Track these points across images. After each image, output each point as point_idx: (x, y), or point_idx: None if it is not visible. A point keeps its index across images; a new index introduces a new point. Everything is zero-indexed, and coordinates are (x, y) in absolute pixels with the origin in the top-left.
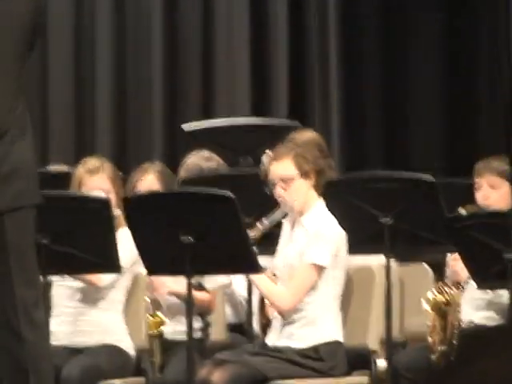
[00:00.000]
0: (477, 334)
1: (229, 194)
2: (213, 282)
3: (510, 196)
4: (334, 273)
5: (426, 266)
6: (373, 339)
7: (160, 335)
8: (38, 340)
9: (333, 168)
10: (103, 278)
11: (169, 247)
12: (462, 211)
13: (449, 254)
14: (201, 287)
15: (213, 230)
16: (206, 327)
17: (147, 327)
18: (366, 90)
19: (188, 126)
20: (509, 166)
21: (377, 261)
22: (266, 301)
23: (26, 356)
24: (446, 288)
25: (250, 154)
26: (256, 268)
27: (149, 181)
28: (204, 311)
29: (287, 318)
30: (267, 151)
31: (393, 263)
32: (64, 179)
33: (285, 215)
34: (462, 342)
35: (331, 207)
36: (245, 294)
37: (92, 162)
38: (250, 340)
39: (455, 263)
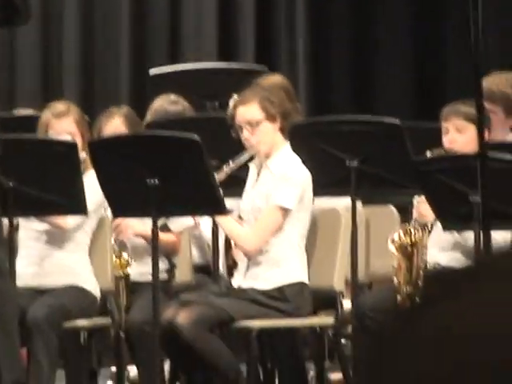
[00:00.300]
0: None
1: (195, 136)
2: (178, 223)
3: (476, 140)
4: (299, 215)
5: (392, 207)
6: (338, 280)
7: (125, 276)
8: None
9: (299, 112)
10: (69, 221)
11: (135, 190)
12: (429, 155)
13: (415, 197)
14: (166, 229)
15: (179, 172)
16: (171, 268)
17: (113, 269)
18: (334, 33)
19: (155, 71)
20: (476, 110)
21: (343, 203)
22: (232, 242)
23: None
24: (411, 230)
25: (217, 98)
26: (222, 210)
27: (115, 125)
28: (169, 252)
29: (253, 259)
30: (234, 95)
31: (359, 205)
32: (31, 123)
33: (251, 158)
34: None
35: (297, 150)
36: (210, 234)
37: (59, 105)
38: (215, 281)
39: (421, 205)
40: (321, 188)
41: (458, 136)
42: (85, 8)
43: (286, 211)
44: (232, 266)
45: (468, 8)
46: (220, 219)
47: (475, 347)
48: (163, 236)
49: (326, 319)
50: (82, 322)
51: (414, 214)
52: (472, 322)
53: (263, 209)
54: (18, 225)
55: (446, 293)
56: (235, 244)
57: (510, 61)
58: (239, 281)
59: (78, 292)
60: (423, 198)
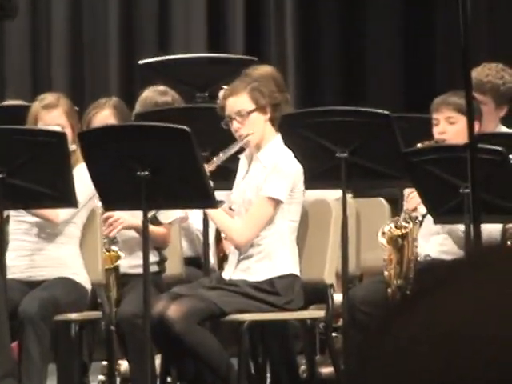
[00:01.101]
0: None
1: (185, 128)
2: (168, 215)
3: (467, 131)
4: (290, 207)
5: (382, 200)
6: (329, 273)
7: (116, 269)
8: None
9: (289, 103)
10: (60, 214)
11: (125, 182)
12: (420, 146)
13: (406, 189)
14: (156, 221)
15: (169, 164)
16: (162, 261)
17: (103, 262)
18: (324, 24)
19: (144, 61)
20: (466, 101)
21: (333, 195)
22: (223, 234)
23: None
24: (402, 222)
25: (207, 88)
26: (212, 202)
27: (105, 116)
28: (160, 245)
29: (244, 251)
30: (224, 86)
31: (349, 197)
32: (21, 114)
33: (241, 149)
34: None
35: (288, 142)
36: (201, 227)
37: (48, 97)
38: (206, 274)
39: (412, 198)
40: (311, 180)
41: (449, 127)
42: (74, 3)
43: (277, 203)
44: (222, 259)
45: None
46: (211, 211)
47: (466, 343)
48: (153, 228)
49: (316, 312)
50: (72, 316)
51: (405, 206)
52: (463, 318)
53: (254, 201)
54: (8, 217)
55: (437, 286)
56: (226, 236)
57: (500, 51)
58: (230, 273)
59: (69, 285)
60: (413, 189)
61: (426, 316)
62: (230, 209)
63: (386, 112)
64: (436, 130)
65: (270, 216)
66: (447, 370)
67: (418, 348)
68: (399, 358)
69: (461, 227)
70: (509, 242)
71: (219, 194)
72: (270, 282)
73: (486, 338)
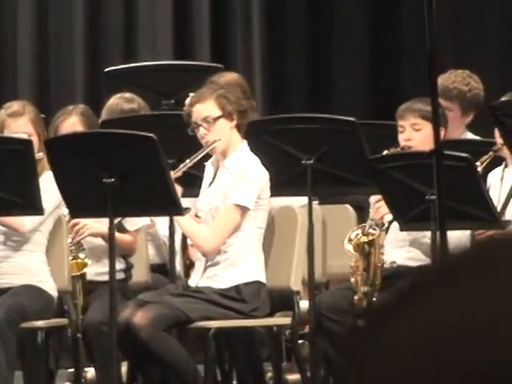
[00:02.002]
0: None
1: (151, 135)
2: (134, 223)
3: (432, 138)
4: (256, 214)
5: (348, 206)
6: (295, 280)
7: (82, 277)
8: None
9: (255, 109)
10: (26, 224)
11: (91, 189)
12: (386, 153)
13: (372, 196)
14: (123, 228)
15: (135, 171)
16: (128, 268)
17: (70, 269)
18: (289, 32)
19: (110, 69)
20: (431, 108)
21: (300, 201)
22: (189, 241)
23: None
24: (369, 229)
25: (173, 95)
26: (179, 209)
27: (72, 123)
28: (126, 252)
29: (210, 258)
30: (190, 93)
31: (315, 204)
32: None
33: (208, 157)
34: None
35: (254, 148)
36: (167, 234)
37: (14, 105)
38: (172, 281)
39: (378, 208)
40: (277, 187)
41: (415, 134)
42: (39, 8)
43: (243, 210)
44: (189, 266)
45: (423, 5)
46: (178, 218)
47: (464, 340)
48: (119, 236)
49: (283, 319)
50: (39, 323)
51: (371, 213)
52: (461, 315)
53: (221, 208)
54: None
55: (435, 283)
56: (193, 243)
57: (465, 59)
58: (196, 280)
59: (36, 292)
60: (380, 197)
61: (421, 314)
62: (197, 216)
63: (352, 119)
64: (402, 137)
65: (237, 223)
66: (444, 367)
67: (414, 346)
68: (394, 356)
69: (426, 233)
70: None
71: (185, 201)
72: (237, 289)
73: (485, 335)
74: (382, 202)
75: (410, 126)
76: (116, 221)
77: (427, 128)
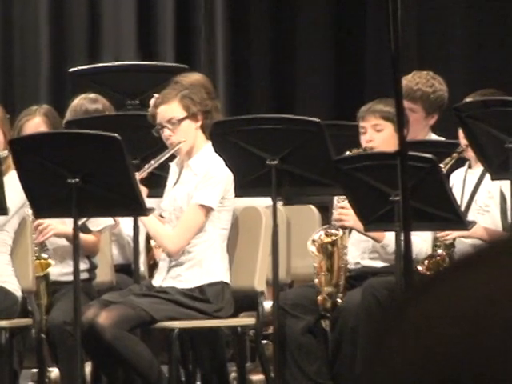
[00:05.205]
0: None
1: (116, 135)
2: (98, 223)
3: (394, 138)
4: (220, 215)
5: (312, 207)
6: (260, 280)
7: (46, 277)
8: None
9: (220, 110)
10: None
11: (56, 189)
12: (349, 154)
13: (335, 197)
14: (86, 229)
15: (100, 171)
16: (92, 268)
17: (34, 269)
18: (253, 32)
19: (75, 69)
20: (395, 109)
21: (264, 202)
22: (153, 242)
23: None
24: (332, 229)
25: (137, 96)
26: (143, 210)
27: (36, 123)
28: (90, 253)
29: (175, 259)
30: (155, 94)
31: (280, 205)
32: None
33: (172, 157)
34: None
35: (219, 149)
36: (132, 234)
37: None
38: (136, 281)
39: (341, 213)
40: (242, 187)
41: (376, 135)
42: (2, 7)
43: (208, 210)
44: (153, 266)
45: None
46: (143, 218)
47: (485, 325)
48: (83, 236)
49: (247, 320)
50: (3, 323)
51: (334, 215)
52: (482, 300)
53: (185, 208)
54: None
55: (459, 269)
56: (158, 244)
57: (430, 60)
58: (160, 281)
59: (0, 293)
60: (345, 203)
61: (444, 297)
62: (161, 216)
63: (316, 119)
64: (363, 138)
65: (201, 223)
66: (463, 348)
67: (436, 326)
68: (416, 335)
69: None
70: (439, 251)
71: (150, 202)
72: (201, 289)
73: (504, 320)
74: (344, 210)
75: (371, 127)
76: (80, 222)
77: (388, 129)
